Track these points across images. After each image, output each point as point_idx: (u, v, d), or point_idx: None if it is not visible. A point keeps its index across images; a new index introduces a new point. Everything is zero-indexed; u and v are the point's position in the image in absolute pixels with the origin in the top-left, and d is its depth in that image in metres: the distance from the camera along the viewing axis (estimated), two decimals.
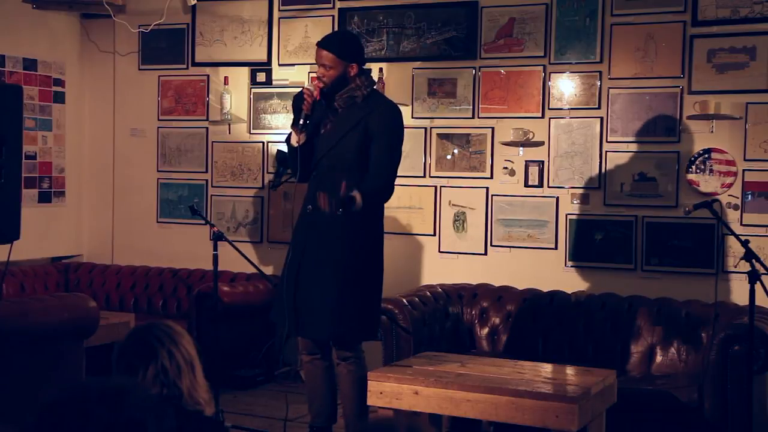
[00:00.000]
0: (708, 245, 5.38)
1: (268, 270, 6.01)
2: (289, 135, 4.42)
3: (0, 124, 4.19)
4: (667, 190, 5.49)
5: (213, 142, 6.66)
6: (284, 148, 4.81)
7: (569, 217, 5.72)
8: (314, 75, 4.47)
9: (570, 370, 4.29)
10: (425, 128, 6.03)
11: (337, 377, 4.47)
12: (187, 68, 6.73)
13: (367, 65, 6.12)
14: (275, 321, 4.68)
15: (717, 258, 5.34)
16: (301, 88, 4.39)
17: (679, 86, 5.47)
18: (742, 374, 4.44)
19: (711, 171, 5.40)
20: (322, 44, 4.36)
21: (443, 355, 4.54)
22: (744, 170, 5.35)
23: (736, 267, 5.24)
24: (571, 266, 5.71)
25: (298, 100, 4.35)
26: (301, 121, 4.26)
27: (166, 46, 6.77)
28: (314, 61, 4.60)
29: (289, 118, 6.14)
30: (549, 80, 5.75)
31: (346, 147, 4.29)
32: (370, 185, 4.26)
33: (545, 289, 5.51)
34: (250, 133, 6.55)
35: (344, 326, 4.31)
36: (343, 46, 4.37)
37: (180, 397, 2.36)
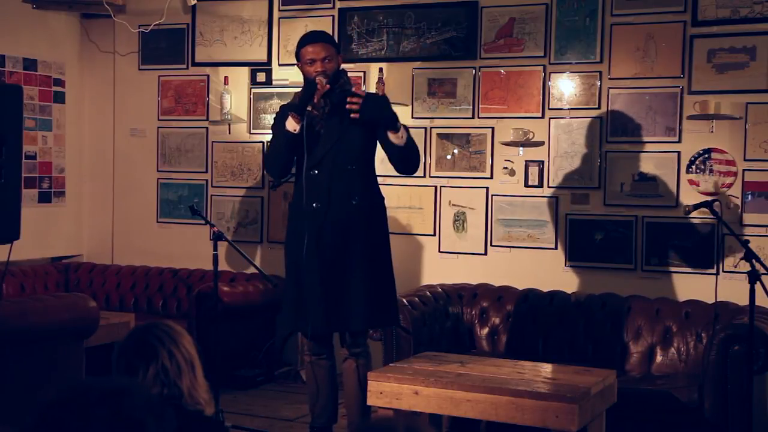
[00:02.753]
0: (708, 245, 5.38)
1: (268, 270, 6.01)
2: (283, 127, 4.38)
3: (0, 124, 4.18)
4: (667, 190, 5.49)
5: (213, 142, 6.66)
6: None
7: (569, 217, 5.71)
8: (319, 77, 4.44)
9: (570, 370, 4.29)
10: (425, 128, 6.03)
11: (344, 373, 4.49)
12: (187, 68, 6.74)
13: (367, 65, 6.16)
14: (291, 327, 4.64)
15: (717, 258, 5.34)
16: (311, 80, 4.36)
17: (679, 86, 5.47)
18: (742, 374, 4.43)
19: (711, 171, 5.40)
20: (319, 39, 4.43)
21: (443, 355, 4.54)
22: (744, 170, 5.35)
23: (736, 267, 5.24)
24: (571, 266, 5.71)
25: (311, 87, 4.32)
26: (309, 108, 4.27)
27: (166, 46, 6.77)
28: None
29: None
30: (549, 80, 5.75)
31: (353, 137, 4.35)
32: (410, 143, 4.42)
33: (545, 289, 5.51)
34: (250, 133, 6.55)
35: (380, 313, 4.40)
36: (333, 38, 4.67)
37: (180, 397, 2.36)
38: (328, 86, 4.28)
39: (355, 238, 4.33)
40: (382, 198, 4.51)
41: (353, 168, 4.35)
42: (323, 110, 4.33)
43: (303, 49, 4.39)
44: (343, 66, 4.56)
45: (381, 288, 4.40)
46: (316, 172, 4.35)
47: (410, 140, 4.38)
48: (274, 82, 6.47)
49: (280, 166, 4.49)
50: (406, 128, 4.39)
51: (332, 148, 4.34)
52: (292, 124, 4.31)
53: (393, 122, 4.30)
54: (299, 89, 4.54)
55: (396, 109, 5.96)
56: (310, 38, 4.43)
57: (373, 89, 6.00)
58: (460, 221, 5.98)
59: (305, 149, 4.28)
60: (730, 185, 5.37)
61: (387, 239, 4.51)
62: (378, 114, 4.28)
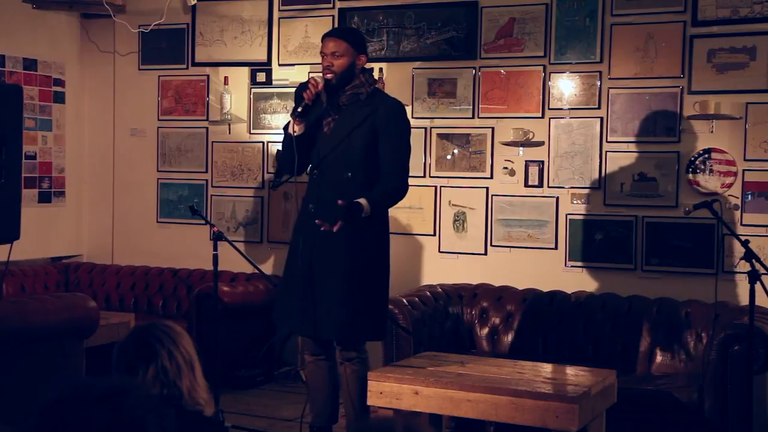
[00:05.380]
0: (708, 245, 5.38)
1: (268, 270, 6.01)
2: (287, 125, 4.42)
3: (0, 124, 4.18)
4: (667, 190, 5.49)
5: (213, 142, 6.66)
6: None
7: (569, 217, 5.71)
8: (314, 75, 4.45)
9: (570, 370, 4.29)
10: (425, 128, 6.03)
11: (341, 377, 4.47)
12: (187, 68, 6.74)
13: (368, 65, 6.14)
14: (278, 322, 4.66)
15: (717, 258, 5.34)
16: (307, 79, 4.37)
17: (679, 86, 5.47)
18: (742, 374, 4.43)
19: (711, 171, 5.40)
20: (333, 33, 4.40)
21: (443, 355, 4.54)
22: (744, 170, 5.35)
23: (736, 267, 5.24)
24: (571, 266, 5.71)
25: (301, 88, 4.34)
26: (300, 109, 4.25)
27: (166, 46, 6.77)
28: (316, 60, 4.61)
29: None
30: (549, 80, 5.75)
31: (353, 144, 4.28)
32: (384, 187, 4.24)
33: (545, 289, 5.51)
34: (250, 133, 6.55)
35: (354, 326, 4.29)
36: (353, 36, 4.47)
37: (180, 397, 2.36)
38: (321, 85, 4.26)
39: (339, 247, 4.23)
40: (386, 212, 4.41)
41: (350, 175, 4.26)
42: (334, 108, 4.31)
43: (321, 45, 4.39)
44: None
45: (362, 301, 4.26)
46: (316, 173, 4.34)
47: (384, 200, 4.24)
48: (274, 82, 6.47)
49: (284, 165, 4.48)
50: (377, 200, 4.18)
51: (332, 152, 4.29)
52: (291, 126, 4.33)
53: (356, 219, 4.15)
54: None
55: None
56: (327, 33, 4.42)
57: None
58: (460, 221, 5.98)
59: (296, 150, 4.27)
60: (730, 185, 5.37)
61: (381, 253, 4.36)
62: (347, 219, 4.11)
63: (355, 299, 4.26)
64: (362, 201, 4.10)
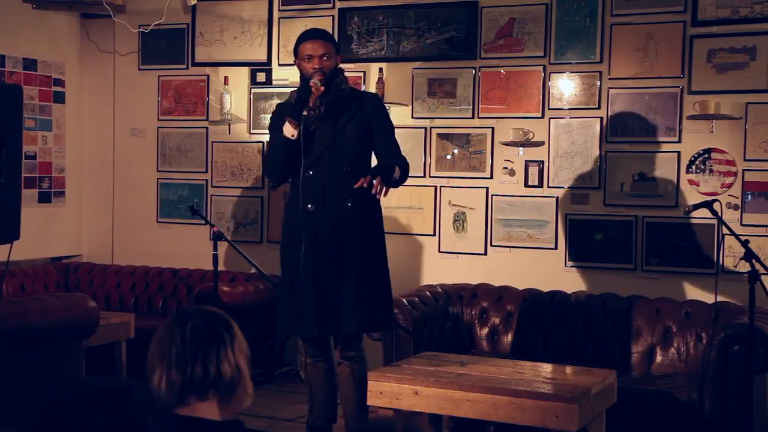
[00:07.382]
0: (708, 245, 5.38)
1: (268, 270, 6.00)
2: (280, 128, 4.35)
3: (0, 124, 4.19)
4: (667, 190, 5.49)
5: (213, 142, 6.66)
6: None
7: (569, 217, 5.72)
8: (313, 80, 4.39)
9: (570, 370, 4.29)
10: (425, 128, 6.03)
11: (339, 377, 4.48)
12: (187, 68, 6.74)
13: (367, 65, 6.16)
14: (286, 333, 4.63)
15: (717, 258, 5.34)
16: (305, 82, 4.35)
17: (679, 86, 5.47)
18: (742, 374, 4.43)
19: (711, 171, 5.40)
20: (319, 36, 4.40)
21: (443, 355, 4.54)
22: (744, 170, 5.35)
23: (736, 267, 5.24)
24: (571, 266, 5.71)
25: (303, 92, 4.29)
26: (305, 112, 4.24)
27: (166, 46, 6.77)
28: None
29: None
30: (549, 80, 5.75)
31: (348, 138, 4.31)
32: (401, 163, 4.37)
33: (545, 289, 5.51)
34: (250, 133, 6.55)
35: (375, 317, 4.37)
36: (333, 37, 4.64)
37: (238, 378, 2.35)
38: (323, 88, 4.25)
39: (350, 241, 4.29)
40: (378, 200, 4.43)
41: (348, 170, 4.29)
42: (318, 111, 4.30)
43: (302, 46, 4.35)
44: (343, 66, 4.55)
45: (375, 292, 4.34)
46: (311, 173, 4.32)
47: (404, 173, 4.38)
48: (274, 82, 6.47)
49: (279, 171, 4.43)
50: (401, 168, 4.34)
51: (327, 149, 4.29)
52: (289, 130, 4.26)
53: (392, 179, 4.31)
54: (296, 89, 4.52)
55: (396, 109, 6.02)
56: (309, 35, 4.40)
57: (373, 89, 6.00)
58: (460, 221, 5.98)
59: (302, 151, 4.26)
60: (730, 185, 5.37)
61: (383, 242, 4.45)
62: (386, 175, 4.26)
63: (374, 291, 4.33)
64: (393, 166, 4.29)
